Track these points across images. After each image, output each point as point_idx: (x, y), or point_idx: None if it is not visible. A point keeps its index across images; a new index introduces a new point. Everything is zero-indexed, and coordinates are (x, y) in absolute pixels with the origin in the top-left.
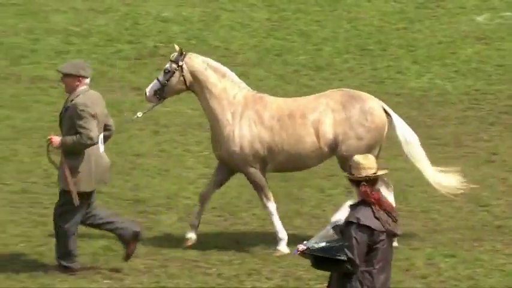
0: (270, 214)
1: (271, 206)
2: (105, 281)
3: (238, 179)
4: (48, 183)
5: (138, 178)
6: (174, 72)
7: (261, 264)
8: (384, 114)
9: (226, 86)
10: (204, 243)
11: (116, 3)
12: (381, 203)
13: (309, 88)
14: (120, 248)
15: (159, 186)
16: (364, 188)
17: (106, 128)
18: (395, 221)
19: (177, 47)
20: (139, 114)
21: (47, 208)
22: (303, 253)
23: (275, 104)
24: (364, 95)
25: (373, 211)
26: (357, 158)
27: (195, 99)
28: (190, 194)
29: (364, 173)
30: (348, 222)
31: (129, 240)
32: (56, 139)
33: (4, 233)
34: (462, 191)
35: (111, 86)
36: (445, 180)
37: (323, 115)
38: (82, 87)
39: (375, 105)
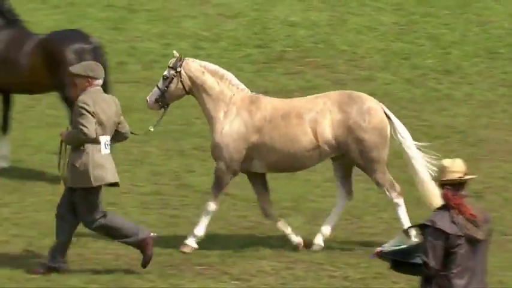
0: (204, 211)
1: (212, 206)
2: (232, 282)
3: (364, 183)
4: (179, 186)
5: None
6: (172, 79)
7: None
8: (383, 115)
9: (223, 88)
10: (330, 246)
11: (245, 8)
12: (461, 208)
13: (436, 92)
14: (248, 250)
15: (286, 189)
16: (446, 192)
17: (119, 133)
18: (477, 226)
19: (176, 53)
20: (151, 128)
21: (177, 209)
22: (380, 256)
23: (270, 105)
24: (364, 96)
25: (451, 215)
26: (444, 161)
27: None
28: (316, 197)
29: (448, 177)
30: (424, 226)
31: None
32: (63, 131)
33: None
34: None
35: None
36: (432, 188)
37: (320, 115)
38: (92, 88)
39: (373, 106)
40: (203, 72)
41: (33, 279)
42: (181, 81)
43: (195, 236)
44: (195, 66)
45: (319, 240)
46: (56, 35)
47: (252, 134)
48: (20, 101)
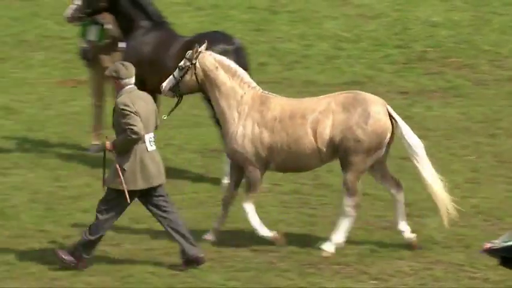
0: (245, 212)
1: (248, 206)
2: (370, 281)
3: (506, 184)
4: (318, 185)
5: (404, 181)
6: (187, 70)
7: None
8: (386, 120)
9: (235, 85)
10: (470, 246)
11: (386, 9)
12: None
13: None
14: (386, 250)
15: (424, 190)
16: None
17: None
18: None
19: (202, 47)
20: (165, 117)
21: (315, 209)
22: (490, 252)
23: (279, 105)
24: (371, 98)
25: None
26: None
27: (463, 103)
28: (456, 197)
29: None
30: None
31: (188, 259)
32: (108, 143)
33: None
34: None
35: (377, 90)
36: (446, 196)
37: (323, 116)
38: (126, 88)
39: (378, 110)
40: (217, 67)
41: (177, 274)
42: (195, 73)
43: (262, 234)
44: (209, 60)
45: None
46: (201, 37)
47: (265, 134)
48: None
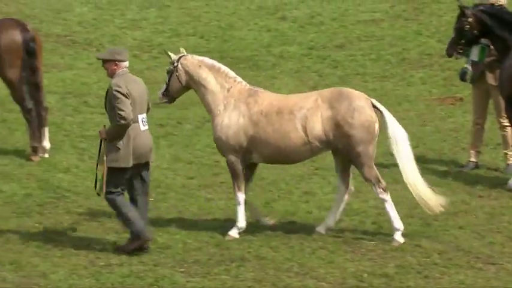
0: (236, 203)
1: (240, 196)
2: None
3: None
4: None
5: None
6: (172, 73)
7: None
8: (371, 114)
9: (220, 81)
10: None
11: None
12: None
13: None
14: None
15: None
16: None
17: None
18: None
19: (182, 50)
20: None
21: None
22: None
23: (267, 100)
24: (354, 93)
25: None
26: None
27: None
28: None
29: None
30: None
31: (135, 238)
32: (102, 131)
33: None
34: (441, 210)
35: None
36: (425, 192)
37: (310, 112)
38: (120, 71)
39: (362, 104)
40: (199, 66)
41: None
42: (177, 75)
43: (237, 228)
44: (191, 61)
45: (320, 229)
46: None
47: (250, 126)
48: None
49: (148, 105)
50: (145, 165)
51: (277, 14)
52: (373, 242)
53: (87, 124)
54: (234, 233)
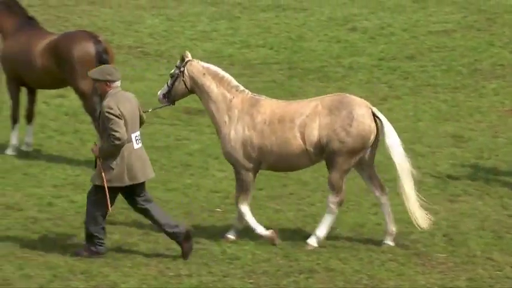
0: (242, 214)
1: (244, 208)
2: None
3: None
4: None
5: None
6: (177, 77)
7: None
8: (370, 123)
9: (223, 90)
10: None
11: None
12: None
13: None
14: None
15: None
16: None
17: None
18: None
19: (188, 54)
20: (150, 110)
21: None
22: None
23: (269, 108)
24: (356, 101)
25: None
26: None
27: None
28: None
29: None
30: None
31: (182, 240)
32: (95, 149)
33: None
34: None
35: None
36: (416, 206)
37: (309, 119)
38: (111, 90)
39: (362, 113)
40: (204, 74)
41: None
42: (183, 80)
43: (260, 233)
44: (197, 67)
45: (387, 241)
46: None
47: (255, 137)
48: None
49: (141, 119)
50: (143, 184)
51: (347, 25)
52: (444, 255)
53: (158, 135)
54: (262, 231)
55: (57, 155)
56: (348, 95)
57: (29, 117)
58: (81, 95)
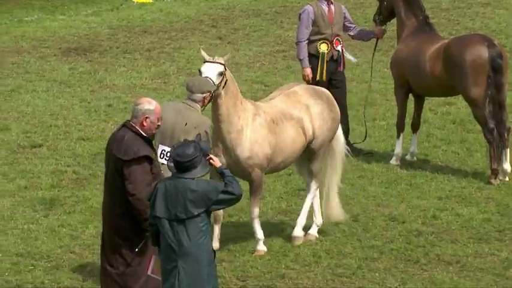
0: (253, 217)
1: (256, 211)
2: None
3: None
4: None
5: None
6: (223, 76)
7: None
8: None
9: (237, 93)
10: None
11: None
12: None
13: None
14: None
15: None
16: None
17: None
18: None
19: (227, 56)
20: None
21: None
22: None
23: (269, 109)
24: (319, 87)
25: None
26: None
27: None
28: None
29: None
30: None
31: None
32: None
33: None
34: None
35: None
36: (335, 202)
37: (303, 113)
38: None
39: (331, 95)
40: (232, 77)
41: None
42: (226, 80)
43: (259, 239)
44: (229, 70)
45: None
46: None
47: (270, 136)
48: None
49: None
50: None
51: None
52: None
53: None
54: (262, 247)
55: (443, 165)
56: (299, 83)
57: (415, 126)
58: (471, 102)
